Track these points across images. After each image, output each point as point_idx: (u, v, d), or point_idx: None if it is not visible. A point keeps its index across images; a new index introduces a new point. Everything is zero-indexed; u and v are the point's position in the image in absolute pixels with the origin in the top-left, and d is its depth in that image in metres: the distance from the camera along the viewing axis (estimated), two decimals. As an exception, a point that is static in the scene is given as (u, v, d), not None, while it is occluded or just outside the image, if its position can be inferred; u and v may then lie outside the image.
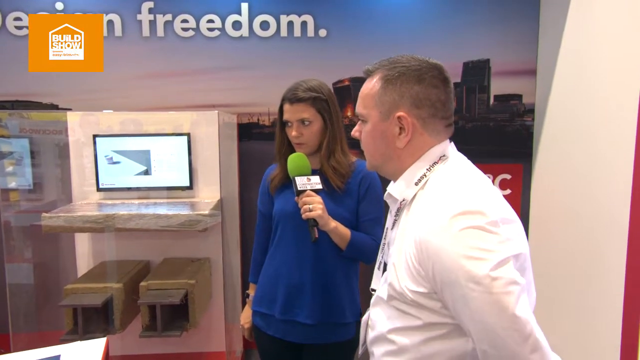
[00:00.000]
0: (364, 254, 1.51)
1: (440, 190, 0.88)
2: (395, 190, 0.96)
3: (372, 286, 1.07)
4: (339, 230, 1.44)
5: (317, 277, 1.50)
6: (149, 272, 2.20)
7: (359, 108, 0.99)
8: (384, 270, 1.01)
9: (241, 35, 2.54)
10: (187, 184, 2.22)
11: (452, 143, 0.99)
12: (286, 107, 1.46)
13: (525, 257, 0.86)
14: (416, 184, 0.93)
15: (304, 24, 2.56)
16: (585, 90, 2.21)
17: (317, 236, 1.38)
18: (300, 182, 1.38)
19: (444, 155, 0.94)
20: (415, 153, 0.95)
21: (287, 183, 1.52)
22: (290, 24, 2.56)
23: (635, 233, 1.83)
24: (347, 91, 2.64)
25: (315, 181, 1.40)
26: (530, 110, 2.73)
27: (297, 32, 2.57)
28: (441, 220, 0.81)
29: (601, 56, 2.09)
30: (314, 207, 1.35)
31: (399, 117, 0.92)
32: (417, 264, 0.85)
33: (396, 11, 2.61)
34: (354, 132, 1.03)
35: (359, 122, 1.02)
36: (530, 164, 2.74)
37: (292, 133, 1.47)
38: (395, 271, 0.90)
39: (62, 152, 2.22)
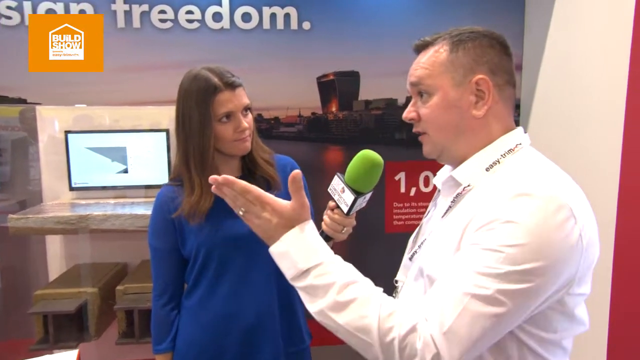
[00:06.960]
0: None
1: (526, 177, 0.78)
2: (461, 174, 0.85)
3: (398, 277, 0.99)
4: None
5: (282, 303, 1.28)
6: (126, 275, 2.11)
7: (422, 78, 0.85)
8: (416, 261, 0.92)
9: (222, 27, 2.45)
10: (166, 182, 2.13)
11: (527, 134, 0.90)
12: (226, 95, 1.17)
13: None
14: (487, 169, 0.83)
15: (287, 16, 2.49)
16: (571, 84, 2.20)
17: None
18: (360, 202, 0.99)
19: (520, 144, 0.86)
20: (491, 124, 0.85)
21: (222, 204, 1.14)
22: (273, 16, 2.48)
23: (622, 227, 1.83)
24: (332, 86, 2.58)
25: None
26: (516, 105, 2.71)
27: (280, 24, 2.49)
28: (532, 205, 0.73)
29: (587, 50, 2.08)
30: (348, 229, 1.06)
31: (477, 82, 0.83)
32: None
33: (381, 4, 2.56)
34: (409, 114, 0.89)
35: (414, 101, 0.89)
36: (516, 160, 2.74)
37: (241, 125, 1.20)
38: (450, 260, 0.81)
39: (31, 149, 2.10)
